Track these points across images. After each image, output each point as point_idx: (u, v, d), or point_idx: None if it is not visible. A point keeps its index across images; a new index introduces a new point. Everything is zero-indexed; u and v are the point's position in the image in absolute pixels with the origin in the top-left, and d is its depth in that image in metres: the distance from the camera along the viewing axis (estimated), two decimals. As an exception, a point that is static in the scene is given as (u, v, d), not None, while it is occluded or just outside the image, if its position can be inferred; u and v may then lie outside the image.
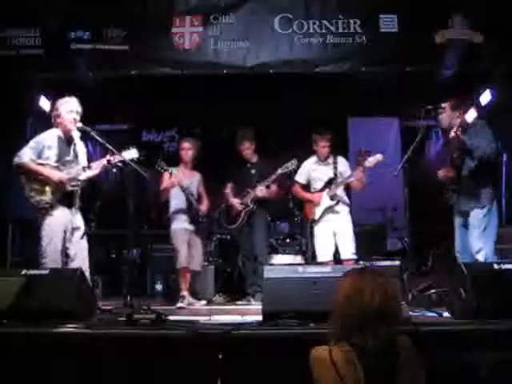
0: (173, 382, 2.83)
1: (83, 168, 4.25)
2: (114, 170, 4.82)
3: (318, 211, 5.25)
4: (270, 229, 6.10)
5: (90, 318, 3.37)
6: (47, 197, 4.03)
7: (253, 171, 5.68)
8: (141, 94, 6.84)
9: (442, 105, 4.43)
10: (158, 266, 6.56)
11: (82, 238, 4.21)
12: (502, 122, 5.63)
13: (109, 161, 4.30)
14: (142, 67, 5.87)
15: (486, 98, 6.20)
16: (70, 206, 4.16)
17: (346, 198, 5.35)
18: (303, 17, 5.77)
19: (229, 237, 6.44)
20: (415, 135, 4.68)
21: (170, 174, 5.23)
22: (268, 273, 3.41)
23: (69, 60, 5.73)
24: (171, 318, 3.50)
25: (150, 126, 8.21)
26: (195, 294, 5.42)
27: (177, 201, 5.37)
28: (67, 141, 4.26)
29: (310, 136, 5.40)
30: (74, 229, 4.17)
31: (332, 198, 5.21)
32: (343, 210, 5.26)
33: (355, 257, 5.11)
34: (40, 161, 4.06)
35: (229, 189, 5.77)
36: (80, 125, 4.23)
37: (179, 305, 4.99)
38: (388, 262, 4.77)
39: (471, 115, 4.29)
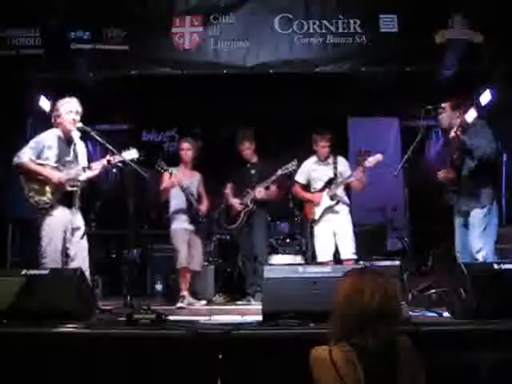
0: (173, 382, 2.83)
1: (83, 168, 4.25)
2: (114, 170, 4.82)
3: (318, 211, 5.25)
4: (269, 229, 6.10)
5: (89, 318, 3.37)
6: (47, 197, 4.03)
7: (253, 171, 5.68)
8: (141, 94, 6.85)
9: (442, 105, 4.43)
10: (157, 266, 6.56)
11: (82, 237, 4.21)
12: (501, 122, 5.63)
13: (109, 161, 4.30)
14: (142, 67, 5.87)
15: (485, 97, 6.20)
16: (69, 206, 4.16)
17: (345, 198, 5.35)
18: (303, 17, 5.77)
19: (229, 237, 6.44)
20: (415, 135, 4.68)
21: (170, 174, 5.23)
22: (268, 273, 3.41)
23: (69, 60, 5.73)
24: (171, 317, 3.50)
25: (150, 126, 8.22)
26: (195, 294, 5.42)
27: (177, 201, 5.37)
28: (67, 141, 4.26)
29: (310, 136, 5.40)
30: (74, 229, 4.16)
31: (332, 198, 5.21)
32: (343, 210, 5.26)
33: (355, 257, 5.11)
34: (40, 161, 4.06)
35: (228, 189, 5.77)
36: (80, 125, 4.23)
37: (179, 305, 4.99)
38: (388, 262, 4.77)
39: (471, 115, 4.29)
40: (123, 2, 5.90)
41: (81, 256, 4.14)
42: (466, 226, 4.29)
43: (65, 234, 4.09)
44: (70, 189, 4.13)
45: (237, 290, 5.90)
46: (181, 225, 5.30)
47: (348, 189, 5.51)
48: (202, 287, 5.77)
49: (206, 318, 3.77)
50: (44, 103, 6.15)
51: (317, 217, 5.26)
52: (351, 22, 5.73)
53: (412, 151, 4.56)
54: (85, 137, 4.48)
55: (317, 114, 6.94)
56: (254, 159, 5.74)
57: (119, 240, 6.72)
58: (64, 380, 2.80)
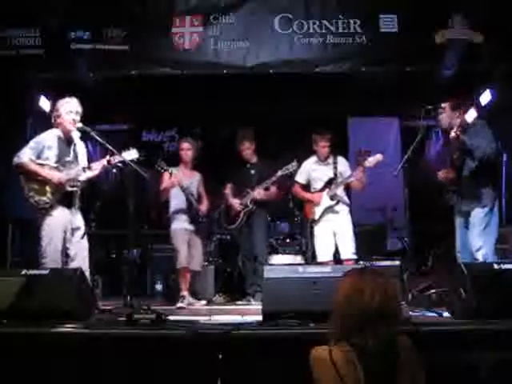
0: (173, 382, 2.83)
1: (83, 168, 4.25)
2: (114, 170, 4.82)
3: (318, 211, 5.25)
4: (269, 229, 6.10)
5: (89, 318, 3.37)
6: (47, 197, 4.03)
7: (252, 171, 5.68)
8: (141, 94, 6.85)
9: (442, 105, 4.43)
10: (158, 266, 6.57)
11: (82, 237, 4.21)
12: (502, 122, 5.63)
13: (109, 161, 4.30)
14: (142, 67, 5.86)
15: (485, 97, 6.20)
16: (69, 206, 4.16)
17: (345, 198, 5.35)
18: (303, 17, 5.77)
19: (229, 237, 6.44)
20: (415, 135, 4.68)
21: (170, 174, 5.23)
22: (268, 273, 3.40)
23: (69, 60, 5.72)
24: (171, 317, 3.50)
25: (150, 126, 8.21)
26: (195, 294, 5.42)
27: (177, 201, 5.37)
28: (67, 141, 4.26)
29: (309, 136, 5.40)
30: (74, 229, 4.17)
31: (332, 198, 5.21)
32: (343, 210, 5.26)
33: (355, 257, 5.11)
34: (40, 161, 4.07)
35: (228, 189, 5.77)
36: (80, 125, 4.23)
37: (179, 305, 4.99)
38: (388, 262, 4.77)
39: (471, 115, 4.29)
40: (123, 2, 5.89)
41: (81, 256, 4.14)
42: (466, 226, 4.28)
43: (65, 234, 4.09)
44: (69, 189, 4.14)
45: (237, 290, 5.90)
46: (181, 225, 5.30)
47: (348, 189, 5.51)
48: (202, 287, 5.77)
49: (206, 318, 3.77)
50: (44, 103, 6.15)
51: (317, 217, 5.26)
52: (351, 21, 5.73)
53: (412, 151, 4.56)
54: (85, 137, 4.48)
55: (317, 114, 6.94)
56: (254, 159, 5.74)
57: (119, 240, 6.72)
58: (64, 380, 2.80)
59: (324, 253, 5.17)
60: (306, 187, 5.50)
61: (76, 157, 4.30)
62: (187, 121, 7.79)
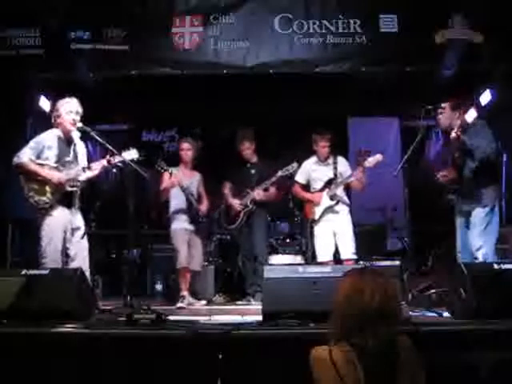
0: (173, 382, 2.83)
1: (83, 169, 4.25)
2: (114, 170, 4.82)
3: (318, 211, 5.25)
4: (269, 229, 6.10)
5: (89, 318, 3.37)
6: (46, 197, 4.03)
7: (252, 171, 5.68)
8: (141, 94, 6.85)
9: (442, 105, 4.43)
10: (158, 266, 6.57)
11: (82, 237, 4.21)
12: (502, 121, 5.63)
13: (109, 161, 4.30)
14: (142, 67, 5.86)
15: (485, 97, 6.20)
16: (69, 206, 4.16)
17: (345, 198, 5.35)
18: (303, 17, 5.77)
19: (229, 237, 6.44)
20: (415, 135, 4.68)
21: (170, 174, 5.23)
22: (268, 273, 3.40)
23: (69, 60, 5.72)
24: (171, 317, 3.50)
25: (150, 126, 8.21)
26: (195, 294, 5.42)
27: (177, 201, 5.37)
28: (67, 141, 4.26)
29: (309, 136, 5.40)
30: (74, 229, 4.17)
31: (332, 198, 5.21)
32: (343, 210, 5.26)
33: (355, 257, 5.11)
34: (39, 161, 4.07)
35: (227, 189, 5.77)
36: (80, 125, 4.23)
37: (179, 305, 4.99)
38: (388, 262, 4.77)
39: (471, 115, 4.29)
40: (123, 2, 5.89)
41: (81, 256, 4.14)
42: (467, 226, 4.28)
43: (65, 234, 4.09)
44: (69, 189, 4.14)
45: (237, 290, 5.90)
46: (181, 225, 5.30)
47: (348, 189, 5.51)
48: (202, 287, 5.77)
49: (206, 318, 3.77)
50: (44, 103, 6.15)
51: (317, 217, 5.26)
52: (351, 21, 5.73)
53: (412, 151, 4.56)
54: (85, 137, 4.48)
55: (317, 114, 6.94)
56: (254, 159, 5.74)
57: (119, 240, 6.72)
58: (64, 380, 2.80)
59: (324, 253, 5.17)
60: (306, 187, 5.50)
61: (76, 157, 4.30)
62: (187, 121, 7.79)
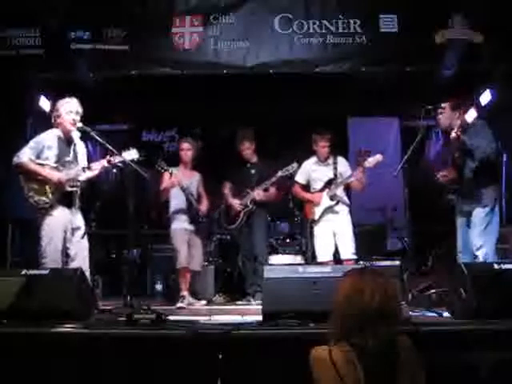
0: (173, 382, 2.83)
1: (83, 168, 4.25)
2: (114, 170, 4.83)
3: (318, 211, 5.25)
4: (269, 229, 6.10)
5: (89, 318, 3.37)
6: (46, 197, 4.03)
7: (252, 171, 5.68)
8: (141, 94, 6.85)
9: (442, 105, 4.43)
10: (158, 266, 6.57)
11: (82, 237, 4.21)
12: (501, 122, 5.63)
13: (109, 161, 4.30)
14: (142, 67, 5.86)
15: (485, 98, 6.20)
16: (69, 206, 4.16)
17: (345, 198, 5.35)
18: (303, 17, 5.77)
19: (229, 237, 6.44)
20: (415, 135, 4.68)
21: (170, 174, 5.23)
22: (268, 273, 3.40)
23: (69, 60, 5.72)
24: (171, 317, 3.50)
25: (150, 126, 8.21)
26: (195, 294, 5.42)
27: (177, 201, 5.37)
28: (67, 141, 4.26)
29: (309, 136, 5.40)
30: (74, 229, 4.17)
31: (332, 198, 5.21)
32: (343, 210, 5.26)
33: (355, 257, 5.11)
34: (39, 161, 4.07)
35: (227, 189, 5.77)
36: (80, 125, 4.23)
37: (179, 305, 4.99)
38: (388, 262, 4.77)
39: (471, 115, 4.29)
40: (123, 2, 5.89)
41: (81, 256, 4.14)
42: (468, 225, 4.28)
43: (65, 233, 4.09)
44: (69, 189, 4.14)
45: (237, 290, 5.90)
46: (181, 225, 5.30)
47: (348, 189, 5.51)
48: (202, 287, 5.77)
49: (206, 318, 3.77)
50: (44, 103, 6.15)
51: (317, 217, 5.26)
52: (351, 21, 5.73)
53: (412, 151, 4.56)
54: (85, 137, 4.48)
55: (317, 114, 6.94)
56: (254, 159, 5.74)
57: (119, 240, 6.72)
58: (64, 380, 2.80)
59: (324, 253, 5.17)
60: (306, 187, 5.50)
61: (76, 157, 4.30)
62: (187, 121, 7.79)
